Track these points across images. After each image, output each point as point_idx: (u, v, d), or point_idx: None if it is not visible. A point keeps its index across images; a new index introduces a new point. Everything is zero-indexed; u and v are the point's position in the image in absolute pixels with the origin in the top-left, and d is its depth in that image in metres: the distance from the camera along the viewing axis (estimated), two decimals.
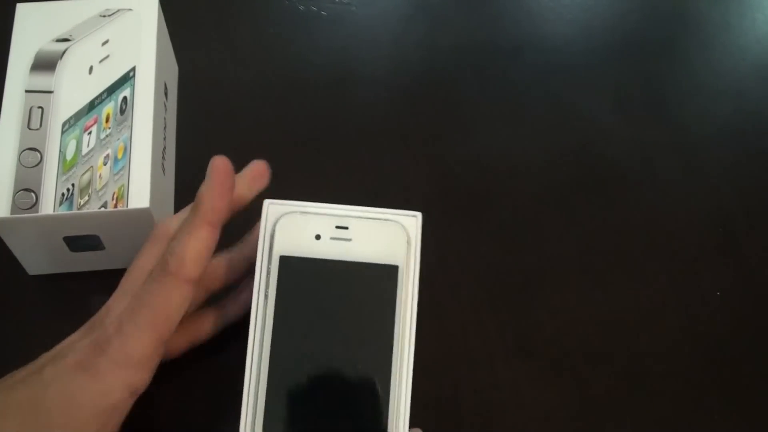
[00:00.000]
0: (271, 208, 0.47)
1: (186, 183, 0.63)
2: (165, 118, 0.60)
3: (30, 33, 0.58)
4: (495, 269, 0.62)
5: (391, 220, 0.46)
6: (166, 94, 0.61)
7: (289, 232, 0.45)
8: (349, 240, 0.45)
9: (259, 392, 0.43)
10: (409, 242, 0.45)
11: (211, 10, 0.74)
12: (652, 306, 0.61)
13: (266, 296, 0.45)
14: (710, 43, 0.75)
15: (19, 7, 0.60)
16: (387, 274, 0.45)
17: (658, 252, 0.63)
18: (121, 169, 0.53)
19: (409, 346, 0.45)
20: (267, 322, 0.44)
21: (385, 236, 0.45)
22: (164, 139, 0.59)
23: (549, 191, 0.65)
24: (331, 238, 0.45)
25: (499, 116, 0.69)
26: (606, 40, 0.74)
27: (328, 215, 0.46)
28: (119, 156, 0.54)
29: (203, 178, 0.64)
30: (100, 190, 0.53)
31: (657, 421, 0.56)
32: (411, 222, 0.46)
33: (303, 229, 0.45)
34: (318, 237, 0.45)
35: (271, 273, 0.45)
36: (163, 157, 0.59)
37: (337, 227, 0.45)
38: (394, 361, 0.44)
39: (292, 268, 0.45)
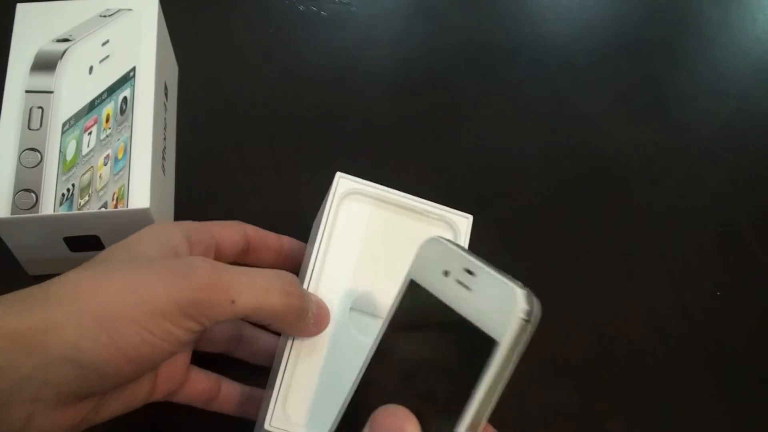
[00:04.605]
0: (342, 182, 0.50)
1: (186, 183, 0.63)
2: (165, 118, 0.60)
3: (30, 33, 0.58)
4: None
5: (515, 288, 0.40)
6: (166, 94, 0.61)
7: (426, 258, 0.43)
8: (469, 290, 0.41)
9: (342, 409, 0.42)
10: (528, 321, 0.40)
11: (211, 10, 0.74)
12: (652, 306, 0.61)
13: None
14: (711, 43, 0.75)
15: (20, 7, 0.60)
16: (485, 346, 0.40)
17: (658, 252, 0.63)
18: (121, 170, 0.53)
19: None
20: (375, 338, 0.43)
21: (503, 304, 0.40)
22: (164, 139, 0.59)
23: (549, 191, 0.65)
24: (456, 281, 0.41)
25: (499, 116, 0.69)
26: (606, 40, 0.74)
27: (463, 255, 0.42)
28: (119, 156, 0.54)
29: (203, 178, 0.64)
30: (101, 190, 0.53)
31: (657, 421, 0.57)
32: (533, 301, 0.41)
33: (437, 258, 0.42)
34: (446, 273, 0.42)
35: (397, 294, 0.42)
36: (163, 158, 0.59)
37: (466, 270, 0.41)
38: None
39: (414, 296, 0.42)
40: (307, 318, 0.46)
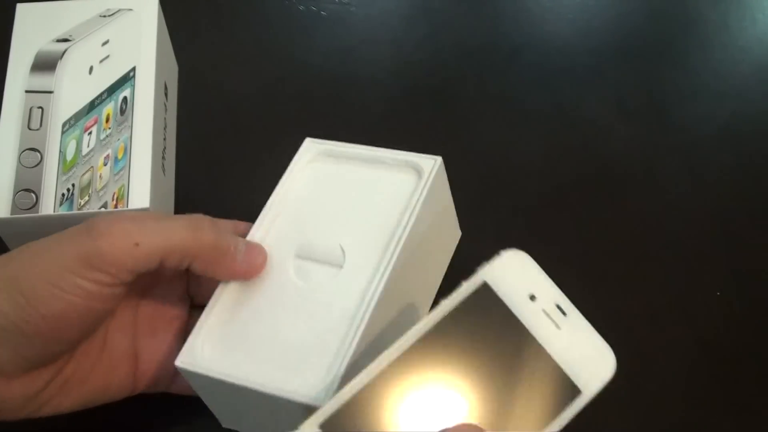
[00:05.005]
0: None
1: (186, 183, 0.63)
2: (165, 118, 0.60)
3: (30, 33, 0.58)
4: None
5: (608, 347, 0.40)
6: (166, 94, 0.61)
7: (511, 270, 0.41)
8: (559, 328, 0.40)
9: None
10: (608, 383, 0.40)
11: (211, 11, 0.74)
12: (652, 306, 0.61)
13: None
14: (710, 43, 0.75)
15: (19, 7, 0.60)
16: (565, 391, 0.39)
17: (658, 252, 0.63)
18: (121, 170, 0.53)
19: None
20: (418, 326, 0.39)
21: (593, 357, 0.40)
22: (164, 139, 0.59)
23: (549, 192, 0.65)
24: (543, 311, 0.40)
25: (500, 117, 0.69)
26: (606, 40, 0.74)
27: (558, 291, 0.41)
28: (119, 156, 0.54)
29: (203, 178, 0.64)
30: (101, 190, 0.53)
31: (656, 422, 0.56)
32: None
33: (524, 277, 0.41)
34: (532, 298, 0.40)
35: (462, 289, 0.40)
36: (163, 157, 0.59)
37: (557, 307, 0.40)
38: None
39: (484, 300, 0.40)
40: (230, 254, 0.45)
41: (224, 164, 0.65)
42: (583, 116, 0.69)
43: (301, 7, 0.74)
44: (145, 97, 0.56)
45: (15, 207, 0.51)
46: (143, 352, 0.48)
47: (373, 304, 0.44)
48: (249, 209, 0.62)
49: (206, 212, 0.59)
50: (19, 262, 0.42)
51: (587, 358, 0.39)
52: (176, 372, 0.48)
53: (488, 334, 0.39)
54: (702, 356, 0.59)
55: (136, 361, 0.48)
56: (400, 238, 0.46)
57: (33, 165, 0.53)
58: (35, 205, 0.52)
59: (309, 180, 0.51)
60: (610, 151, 0.67)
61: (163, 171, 0.58)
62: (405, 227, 0.47)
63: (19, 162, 0.53)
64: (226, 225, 0.51)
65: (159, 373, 0.49)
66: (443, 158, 0.67)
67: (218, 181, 0.64)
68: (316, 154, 0.52)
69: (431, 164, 0.50)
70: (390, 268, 0.45)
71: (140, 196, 0.52)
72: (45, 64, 0.57)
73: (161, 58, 0.60)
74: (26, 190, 0.52)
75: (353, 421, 0.37)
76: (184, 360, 0.44)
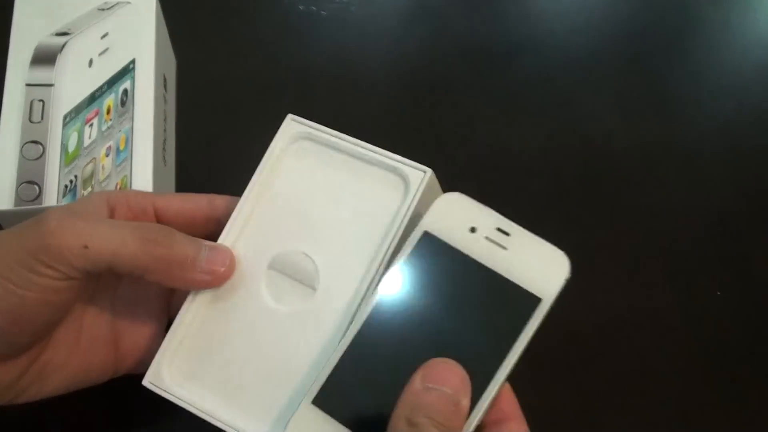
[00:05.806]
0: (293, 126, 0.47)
1: (186, 173, 0.63)
2: (165, 110, 0.60)
3: (29, 27, 0.58)
4: None
5: (558, 250, 0.42)
6: (165, 86, 0.61)
7: (447, 212, 0.42)
8: (505, 249, 0.41)
9: (330, 361, 0.40)
10: (567, 280, 0.41)
11: (210, 8, 0.74)
12: (652, 306, 0.61)
13: (386, 264, 0.42)
14: (711, 42, 0.75)
15: (18, 1, 0.60)
16: (526, 303, 0.40)
17: (658, 251, 0.63)
18: (123, 161, 0.53)
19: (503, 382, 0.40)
20: (373, 292, 0.41)
21: (545, 263, 0.41)
22: (164, 130, 0.59)
23: (549, 191, 0.65)
24: (486, 238, 0.42)
25: (499, 116, 0.69)
26: (606, 39, 0.74)
27: (495, 214, 0.43)
28: (121, 147, 0.54)
29: (202, 170, 0.64)
30: (103, 181, 0.53)
31: (656, 421, 0.57)
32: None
33: (461, 214, 0.42)
34: (473, 230, 0.42)
35: (406, 245, 0.42)
36: (164, 149, 0.59)
37: (498, 230, 0.42)
38: (486, 395, 0.39)
39: (431, 249, 0.42)
40: (187, 266, 0.44)
41: (223, 156, 0.65)
42: (583, 115, 0.69)
43: (301, 7, 0.74)
44: (145, 88, 0.57)
45: (18, 199, 0.51)
46: (123, 335, 0.48)
47: (346, 344, 0.41)
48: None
49: None
50: None
51: (540, 266, 0.41)
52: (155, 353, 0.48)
53: (442, 276, 0.41)
54: (702, 356, 0.59)
55: (116, 344, 0.47)
56: (381, 264, 0.43)
57: (35, 157, 0.53)
58: (38, 197, 0.52)
59: (289, 173, 0.47)
60: (610, 150, 0.68)
61: (164, 161, 0.58)
62: (387, 250, 0.44)
63: (21, 154, 0.53)
64: (199, 201, 0.49)
65: (141, 355, 0.48)
66: (442, 155, 0.67)
67: (217, 171, 0.64)
68: (297, 136, 0.48)
69: (419, 178, 0.45)
70: (367, 301, 0.42)
71: (143, 186, 0.53)
72: (45, 57, 0.57)
73: (160, 51, 0.60)
74: (29, 182, 0.52)
75: (342, 388, 0.40)
76: (151, 381, 0.44)
